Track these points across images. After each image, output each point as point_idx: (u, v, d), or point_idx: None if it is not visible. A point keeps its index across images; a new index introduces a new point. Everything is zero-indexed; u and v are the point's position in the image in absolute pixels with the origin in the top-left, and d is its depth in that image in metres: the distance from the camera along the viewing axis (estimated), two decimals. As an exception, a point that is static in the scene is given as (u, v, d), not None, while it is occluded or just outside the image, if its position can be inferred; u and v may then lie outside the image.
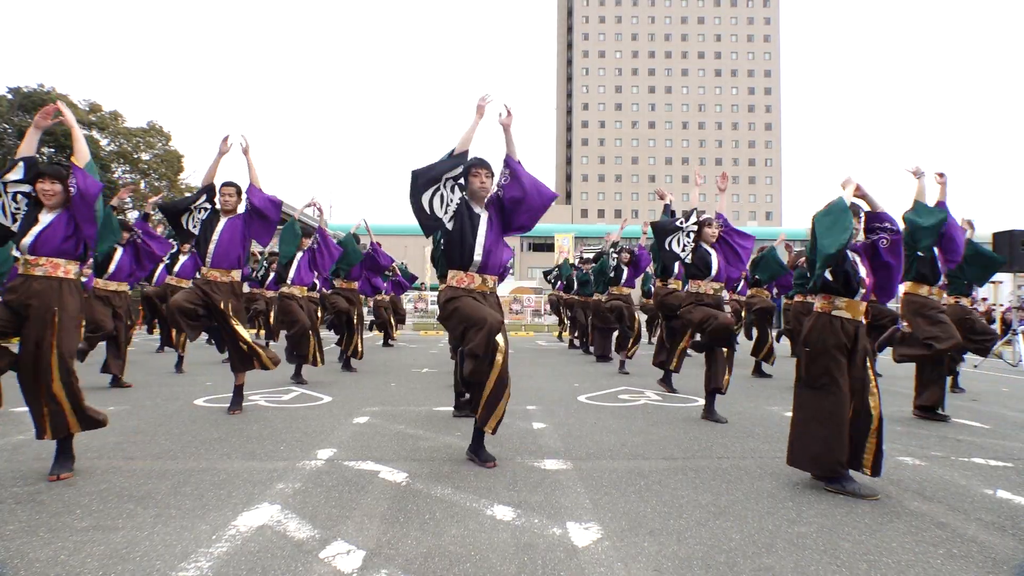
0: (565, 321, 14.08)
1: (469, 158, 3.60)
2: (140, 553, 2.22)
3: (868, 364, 3.23)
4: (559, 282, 13.55)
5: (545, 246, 45.00)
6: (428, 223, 3.56)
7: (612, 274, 8.55)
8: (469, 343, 3.37)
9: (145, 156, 35.69)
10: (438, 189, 3.53)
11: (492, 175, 3.64)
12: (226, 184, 4.85)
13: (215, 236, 4.68)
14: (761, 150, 74.75)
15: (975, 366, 10.51)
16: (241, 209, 4.85)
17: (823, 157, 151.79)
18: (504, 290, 24.91)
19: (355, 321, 7.87)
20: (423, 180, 3.50)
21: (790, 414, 5.26)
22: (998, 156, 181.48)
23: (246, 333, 4.74)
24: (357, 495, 2.91)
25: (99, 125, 33.21)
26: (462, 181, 3.59)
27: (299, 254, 6.78)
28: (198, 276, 4.86)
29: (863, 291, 3.24)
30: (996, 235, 10.44)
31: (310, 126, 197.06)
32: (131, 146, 34.70)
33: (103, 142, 33.56)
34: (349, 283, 7.84)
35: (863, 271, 3.27)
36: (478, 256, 3.53)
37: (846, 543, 2.45)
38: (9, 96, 29.41)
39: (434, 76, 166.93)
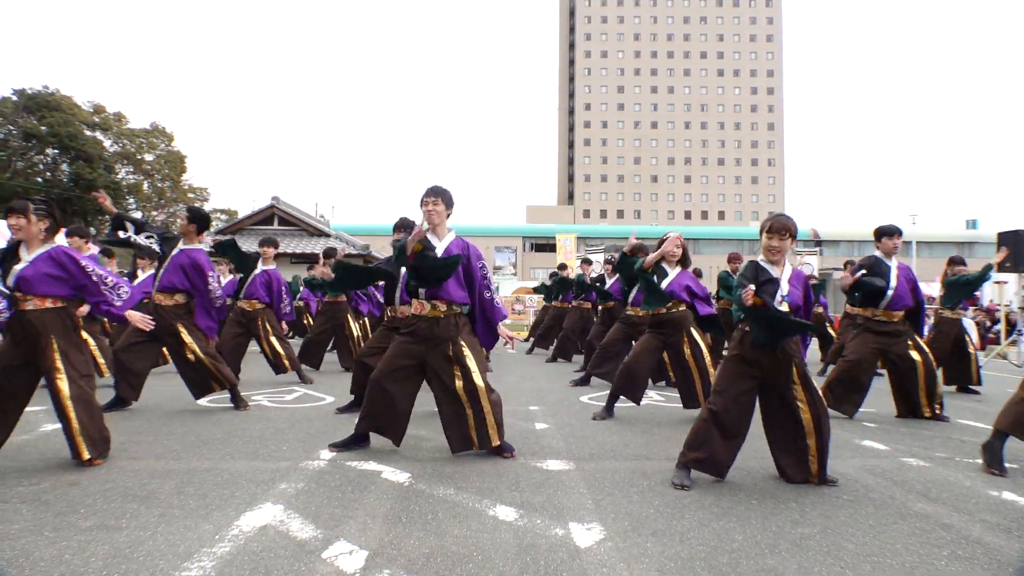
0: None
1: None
2: (144, 552, 2.22)
3: None
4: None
5: (548, 247, 44.97)
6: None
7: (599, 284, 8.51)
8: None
9: (148, 157, 35.88)
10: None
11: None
12: (430, 192, 3.68)
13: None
14: (764, 150, 74.56)
15: (978, 367, 10.45)
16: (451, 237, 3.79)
17: (826, 157, 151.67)
18: (507, 290, 24.93)
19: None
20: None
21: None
22: (1001, 155, 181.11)
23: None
24: (360, 495, 2.92)
25: (103, 126, 33.38)
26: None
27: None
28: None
29: None
30: (1001, 235, 10.42)
31: (312, 126, 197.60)
32: (134, 147, 34.88)
33: (107, 143, 33.72)
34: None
35: None
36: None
37: (850, 544, 2.44)
38: (14, 98, 29.54)
39: (436, 76, 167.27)
